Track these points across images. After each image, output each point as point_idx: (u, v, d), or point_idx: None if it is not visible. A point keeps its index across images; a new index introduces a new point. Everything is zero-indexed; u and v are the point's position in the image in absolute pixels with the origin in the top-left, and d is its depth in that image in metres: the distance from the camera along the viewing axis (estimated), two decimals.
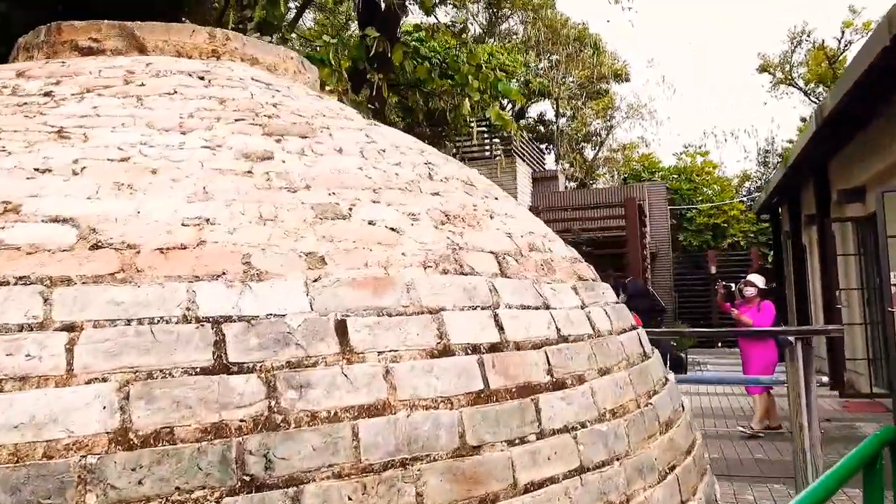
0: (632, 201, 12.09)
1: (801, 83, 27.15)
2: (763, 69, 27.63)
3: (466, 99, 7.05)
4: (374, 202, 1.82)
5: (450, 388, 1.43)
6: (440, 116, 8.27)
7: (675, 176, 24.60)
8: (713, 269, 19.17)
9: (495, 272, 1.79)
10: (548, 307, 1.83)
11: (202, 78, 2.29)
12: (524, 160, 15.64)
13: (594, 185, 25.25)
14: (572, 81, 23.96)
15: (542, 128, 26.20)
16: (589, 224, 12.48)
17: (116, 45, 2.55)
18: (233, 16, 5.94)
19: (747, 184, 28.21)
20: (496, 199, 2.33)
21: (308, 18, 14.78)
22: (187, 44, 2.62)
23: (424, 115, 8.72)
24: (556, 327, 1.78)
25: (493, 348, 1.57)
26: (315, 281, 1.45)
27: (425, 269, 1.63)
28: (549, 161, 23.76)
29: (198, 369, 1.20)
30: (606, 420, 1.71)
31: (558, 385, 1.64)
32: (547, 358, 1.66)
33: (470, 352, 1.52)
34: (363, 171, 1.96)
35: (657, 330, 5.87)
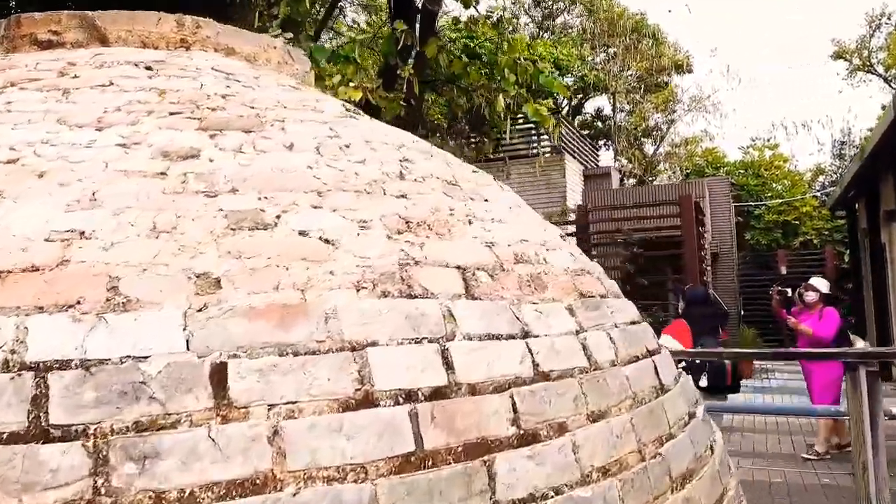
0: (687, 199, 11.36)
1: (880, 69, 25.44)
2: (838, 56, 26.03)
3: (501, 94, 6.67)
4: (314, 207, 1.51)
5: (365, 451, 1.09)
6: (477, 113, 7.91)
7: (742, 171, 23.34)
8: (783, 270, 17.98)
9: (457, 293, 1.44)
10: (526, 335, 1.47)
11: (149, 68, 2.03)
12: (574, 157, 15.02)
13: (654, 182, 24.27)
14: (630, 74, 23.12)
15: (599, 123, 25.42)
16: (643, 223, 11.82)
17: (77, 37, 2.33)
18: (259, 15, 5.76)
19: (821, 178, 26.55)
20: (485, 200, 1.98)
21: (352, 21, 14.69)
22: (153, 33, 2.37)
23: (464, 112, 8.39)
24: (534, 361, 1.42)
25: (437, 394, 1.22)
26: (200, 310, 1.14)
27: (358, 291, 1.30)
28: (608, 157, 22.99)
29: (4, 437, 0.91)
30: (593, 482, 1.34)
31: (526, 439, 1.28)
32: (513, 403, 1.31)
33: (402, 400, 1.18)
34: (312, 171, 1.65)
35: (692, 350, 5.34)
